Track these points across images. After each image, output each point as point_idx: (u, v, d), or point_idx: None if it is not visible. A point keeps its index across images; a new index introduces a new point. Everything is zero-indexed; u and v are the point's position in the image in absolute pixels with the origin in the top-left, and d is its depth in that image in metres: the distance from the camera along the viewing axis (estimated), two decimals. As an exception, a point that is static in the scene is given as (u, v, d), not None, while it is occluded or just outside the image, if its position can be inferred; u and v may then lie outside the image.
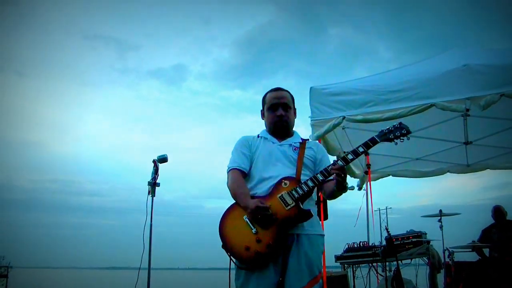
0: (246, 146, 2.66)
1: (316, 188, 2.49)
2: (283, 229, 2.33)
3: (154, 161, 4.39)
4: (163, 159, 4.43)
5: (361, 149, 2.42)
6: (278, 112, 2.61)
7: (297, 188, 2.38)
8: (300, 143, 2.64)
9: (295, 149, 2.59)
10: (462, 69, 4.13)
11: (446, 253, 5.31)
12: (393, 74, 5.00)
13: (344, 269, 6.37)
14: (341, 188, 2.41)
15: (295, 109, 2.75)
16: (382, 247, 5.78)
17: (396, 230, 6.15)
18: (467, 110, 4.24)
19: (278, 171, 2.49)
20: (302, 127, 4.87)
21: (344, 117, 4.49)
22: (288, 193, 2.38)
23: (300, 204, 2.38)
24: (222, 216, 2.46)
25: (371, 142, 2.44)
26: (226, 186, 2.57)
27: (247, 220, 2.35)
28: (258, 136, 2.72)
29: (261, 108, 2.76)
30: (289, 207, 2.35)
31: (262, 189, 2.48)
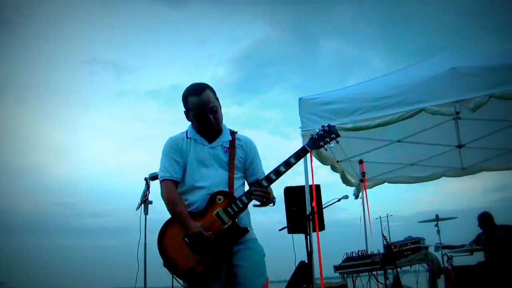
0: (177, 151, 2.49)
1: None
2: (221, 246, 2.33)
3: (145, 179, 4.37)
4: (155, 177, 4.41)
5: (293, 160, 2.42)
6: (208, 120, 2.43)
7: (233, 205, 2.36)
8: (230, 141, 2.53)
9: (226, 151, 2.50)
10: (450, 73, 4.14)
11: (445, 258, 5.26)
12: (381, 81, 5.00)
13: (344, 279, 6.30)
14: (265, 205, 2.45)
15: (219, 102, 2.52)
16: (381, 255, 5.73)
17: (399, 237, 6.11)
18: (457, 113, 4.24)
19: (211, 179, 2.43)
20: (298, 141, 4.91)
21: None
22: (223, 210, 2.36)
23: (237, 220, 2.38)
24: (160, 233, 2.42)
25: (303, 152, 2.46)
26: (161, 196, 2.48)
27: (187, 241, 2.32)
28: (187, 137, 2.54)
29: (184, 109, 2.53)
30: (226, 225, 2.35)
31: (194, 196, 2.44)
